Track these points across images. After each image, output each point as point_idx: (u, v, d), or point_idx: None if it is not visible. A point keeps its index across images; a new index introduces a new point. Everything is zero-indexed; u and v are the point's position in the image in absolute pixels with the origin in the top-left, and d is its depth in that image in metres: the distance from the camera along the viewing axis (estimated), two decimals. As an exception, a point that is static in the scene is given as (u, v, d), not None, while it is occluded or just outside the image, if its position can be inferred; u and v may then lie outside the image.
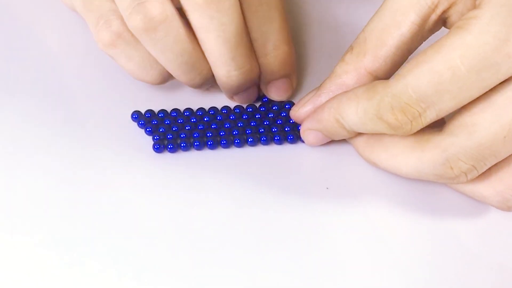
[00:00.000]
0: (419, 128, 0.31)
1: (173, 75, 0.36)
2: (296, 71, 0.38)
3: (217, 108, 0.38)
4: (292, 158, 0.36)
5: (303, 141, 0.37)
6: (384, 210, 0.35)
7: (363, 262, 0.33)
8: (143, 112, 0.38)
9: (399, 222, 0.34)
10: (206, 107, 0.38)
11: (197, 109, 0.38)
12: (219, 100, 0.39)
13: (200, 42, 0.35)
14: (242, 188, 0.35)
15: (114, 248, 0.33)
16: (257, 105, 0.38)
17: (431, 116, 0.31)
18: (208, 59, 0.35)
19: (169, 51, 0.34)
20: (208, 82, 0.37)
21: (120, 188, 0.35)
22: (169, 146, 0.36)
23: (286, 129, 0.37)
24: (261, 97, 0.39)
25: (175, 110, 0.38)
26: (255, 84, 0.38)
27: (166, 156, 0.36)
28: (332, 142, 0.36)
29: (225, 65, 0.35)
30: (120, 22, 0.34)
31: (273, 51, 0.36)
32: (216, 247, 0.33)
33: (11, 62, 0.40)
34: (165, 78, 0.37)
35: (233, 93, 0.37)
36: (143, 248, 0.33)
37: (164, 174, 0.36)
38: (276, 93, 0.38)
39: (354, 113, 0.33)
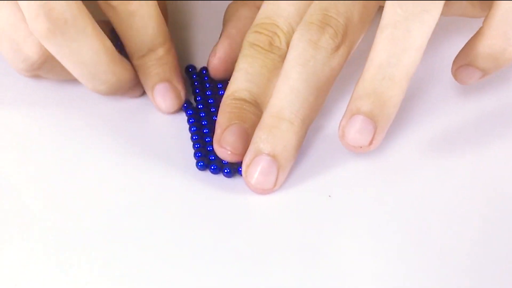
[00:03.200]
0: None
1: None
2: (181, 77, 0.39)
3: None
4: (295, 165, 0.36)
5: None
6: (387, 218, 0.34)
7: (366, 270, 0.32)
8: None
9: (404, 229, 0.34)
10: None
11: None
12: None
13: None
14: (242, 196, 0.35)
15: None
16: None
17: None
18: None
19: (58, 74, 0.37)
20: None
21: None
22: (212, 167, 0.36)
23: None
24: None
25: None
26: (136, 84, 0.38)
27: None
28: (334, 149, 0.36)
29: (88, 82, 0.36)
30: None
31: (150, 52, 0.37)
32: (217, 255, 0.33)
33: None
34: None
35: (114, 96, 0.38)
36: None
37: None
38: (161, 101, 0.38)
39: None
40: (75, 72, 0.35)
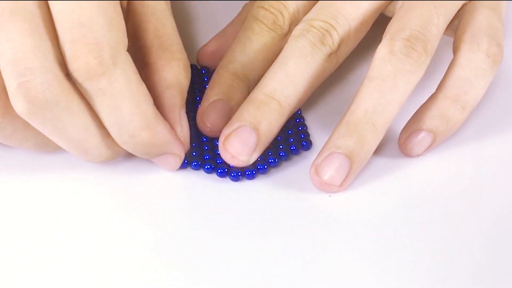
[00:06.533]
0: None
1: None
2: (181, 144, 0.35)
3: None
4: (294, 165, 0.36)
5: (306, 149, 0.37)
6: (387, 218, 0.34)
7: (366, 270, 0.32)
8: None
9: (404, 229, 0.34)
10: None
11: None
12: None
13: None
14: (243, 195, 0.35)
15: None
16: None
17: None
18: None
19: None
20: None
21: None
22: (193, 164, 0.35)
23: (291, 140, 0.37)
24: None
25: None
26: None
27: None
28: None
29: (80, 156, 0.33)
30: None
31: (131, 139, 0.32)
32: (219, 252, 0.33)
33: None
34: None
35: None
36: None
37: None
38: (164, 167, 0.35)
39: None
40: (64, 147, 0.33)
